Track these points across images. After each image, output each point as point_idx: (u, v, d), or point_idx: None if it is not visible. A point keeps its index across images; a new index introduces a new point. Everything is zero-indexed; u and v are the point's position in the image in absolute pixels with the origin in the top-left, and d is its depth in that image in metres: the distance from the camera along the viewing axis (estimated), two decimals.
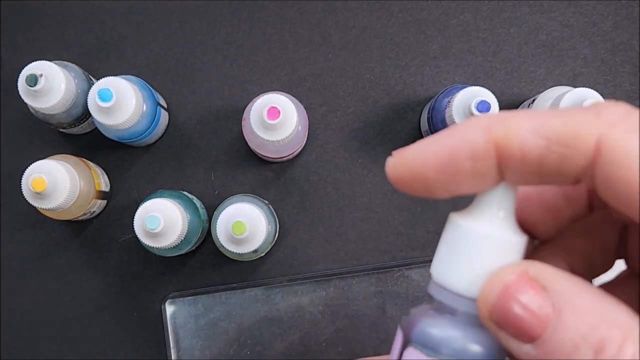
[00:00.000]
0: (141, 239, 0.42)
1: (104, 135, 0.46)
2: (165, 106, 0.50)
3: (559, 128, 0.16)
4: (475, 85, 0.44)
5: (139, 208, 0.42)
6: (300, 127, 0.44)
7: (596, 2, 0.51)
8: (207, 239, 0.49)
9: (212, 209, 0.47)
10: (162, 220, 0.41)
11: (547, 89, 0.48)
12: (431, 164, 0.17)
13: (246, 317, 0.47)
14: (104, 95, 0.41)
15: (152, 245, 0.42)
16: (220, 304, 0.47)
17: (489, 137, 0.17)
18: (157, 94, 0.49)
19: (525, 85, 0.51)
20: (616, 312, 0.16)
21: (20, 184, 0.42)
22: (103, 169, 0.50)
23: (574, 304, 0.16)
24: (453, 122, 0.43)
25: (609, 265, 0.21)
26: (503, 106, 0.50)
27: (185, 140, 0.51)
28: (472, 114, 0.41)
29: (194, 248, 0.48)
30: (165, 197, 0.44)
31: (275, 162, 0.50)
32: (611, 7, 0.51)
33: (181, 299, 0.47)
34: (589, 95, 0.41)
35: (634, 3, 0.51)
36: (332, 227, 0.50)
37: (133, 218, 0.42)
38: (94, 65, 0.51)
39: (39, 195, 0.41)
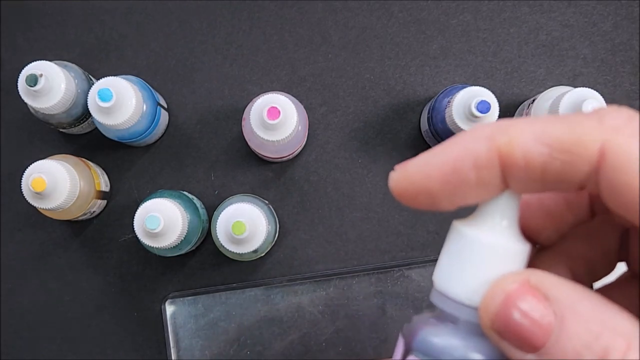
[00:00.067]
0: (141, 239, 0.42)
1: (104, 135, 0.46)
2: (165, 106, 0.50)
3: (562, 135, 0.16)
4: (475, 85, 0.44)
5: (139, 208, 0.42)
6: (300, 127, 0.44)
7: (596, 2, 0.51)
8: (207, 239, 0.49)
9: (212, 209, 0.47)
10: (162, 220, 0.41)
11: (547, 89, 0.48)
12: (435, 176, 0.17)
13: (246, 317, 0.47)
14: (104, 95, 0.41)
15: (152, 245, 0.42)
16: (220, 304, 0.47)
17: (492, 146, 0.17)
18: (157, 94, 0.49)
19: (525, 85, 0.51)
20: (619, 319, 0.16)
21: (20, 184, 0.42)
22: (103, 169, 0.50)
23: (576, 312, 0.16)
24: (453, 122, 0.43)
25: (610, 269, 0.21)
26: (503, 106, 0.50)
27: (185, 140, 0.51)
28: (472, 114, 0.41)
29: (194, 248, 0.48)
30: (165, 197, 0.44)
31: (275, 162, 0.50)
32: (611, 7, 0.51)
33: (181, 299, 0.47)
34: (589, 95, 0.41)
35: (634, 3, 0.51)
36: (332, 227, 0.50)
37: (133, 218, 0.42)
38: (94, 65, 0.51)
39: (39, 195, 0.41)
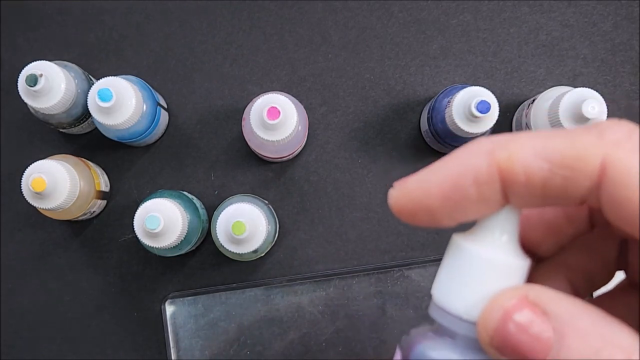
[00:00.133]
0: (141, 239, 0.42)
1: (104, 135, 0.46)
2: (165, 106, 0.50)
3: (562, 150, 0.16)
4: (475, 85, 0.44)
5: (139, 208, 0.42)
6: (300, 127, 0.44)
7: (596, 2, 0.51)
8: (207, 239, 0.49)
9: (212, 209, 0.47)
10: (162, 220, 0.41)
11: (547, 89, 0.48)
12: (435, 192, 0.17)
13: (246, 317, 0.47)
14: (104, 95, 0.41)
15: (152, 245, 0.42)
16: (220, 304, 0.47)
17: (492, 161, 0.17)
18: (157, 94, 0.49)
19: (525, 85, 0.51)
20: (619, 334, 0.16)
21: (20, 184, 0.42)
22: (103, 169, 0.50)
23: (576, 327, 0.16)
24: (453, 122, 0.43)
25: (608, 278, 0.21)
26: (503, 106, 0.50)
27: (185, 140, 0.51)
28: (472, 114, 0.41)
29: (194, 248, 0.48)
30: (165, 197, 0.44)
31: (275, 162, 0.50)
32: (611, 7, 0.51)
33: (181, 299, 0.47)
34: (589, 95, 0.41)
35: (634, 3, 0.51)
36: (332, 227, 0.50)
37: (133, 218, 0.42)
38: (94, 65, 0.51)
39: (39, 195, 0.41)
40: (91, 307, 0.50)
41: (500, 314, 0.17)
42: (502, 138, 0.17)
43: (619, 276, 0.21)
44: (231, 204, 0.43)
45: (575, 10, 0.51)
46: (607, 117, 0.42)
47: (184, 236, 0.43)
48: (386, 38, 0.51)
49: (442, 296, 0.18)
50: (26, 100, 0.42)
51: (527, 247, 0.21)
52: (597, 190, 0.16)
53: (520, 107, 0.50)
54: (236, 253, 0.42)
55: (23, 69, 0.42)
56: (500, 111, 0.42)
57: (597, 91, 0.42)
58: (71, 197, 0.42)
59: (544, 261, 0.21)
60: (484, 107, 0.41)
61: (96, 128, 0.48)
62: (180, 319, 0.47)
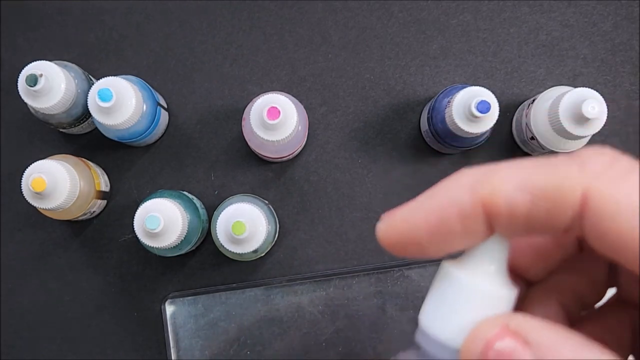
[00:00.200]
0: (141, 239, 0.42)
1: (104, 135, 0.46)
2: (165, 106, 0.50)
3: (544, 182, 0.16)
4: (475, 85, 0.44)
5: (139, 208, 0.42)
6: (300, 127, 0.44)
7: (596, 2, 0.51)
8: (207, 239, 0.49)
9: (212, 209, 0.47)
10: (162, 220, 0.41)
11: (547, 89, 0.48)
12: (422, 226, 0.17)
13: (246, 317, 0.47)
14: (104, 95, 0.41)
15: (152, 245, 0.42)
16: (220, 304, 0.47)
17: (475, 196, 0.17)
18: (157, 94, 0.49)
19: (525, 85, 0.51)
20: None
21: (20, 184, 0.42)
22: (103, 169, 0.50)
23: (557, 355, 0.16)
24: (453, 122, 0.43)
25: (599, 297, 0.21)
26: (503, 106, 0.50)
27: (185, 140, 0.51)
28: (472, 114, 0.41)
29: (194, 248, 0.48)
30: (165, 197, 0.44)
31: (275, 162, 0.50)
32: (611, 7, 0.51)
33: (181, 299, 0.47)
34: (589, 95, 0.41)
35: (634, 3, 0.51)
36: (332, 227, 0.50)
37: (133, 218, 0.42)
38: (94, 65, 0.51)
39: (39, 195, 0.41)
40: (91, 307, 0.50)
41: (483, 342, 0.17)
42: (485, 171, 0.17)
43: (610, 292, 0.21)
44: (231, 204, 0.43)
45: (575, 10, 0.51)
46: (607, 117, 0.42)
47: (184, 236, 0.43)
48: (386, 38, 0.51)
49: (428, 322, 0.19)
50: (26, 100, 0.42)
51: (517, 271, 0.21)
52: (580, 220, 0.16)
53: (520, 107, 0.50)
54: (236, 253, 0.42)
55: (23, 69, 0.42)
56: (500, 111, 0.42)
57: (597, 91, 0.42)
58: (71, 197, 0.42)
59: (535, 285, 0.21)
60: (484, 107, 0.41)
61: (96, 128, 0.48)
62: (180, 319, 0.47)
